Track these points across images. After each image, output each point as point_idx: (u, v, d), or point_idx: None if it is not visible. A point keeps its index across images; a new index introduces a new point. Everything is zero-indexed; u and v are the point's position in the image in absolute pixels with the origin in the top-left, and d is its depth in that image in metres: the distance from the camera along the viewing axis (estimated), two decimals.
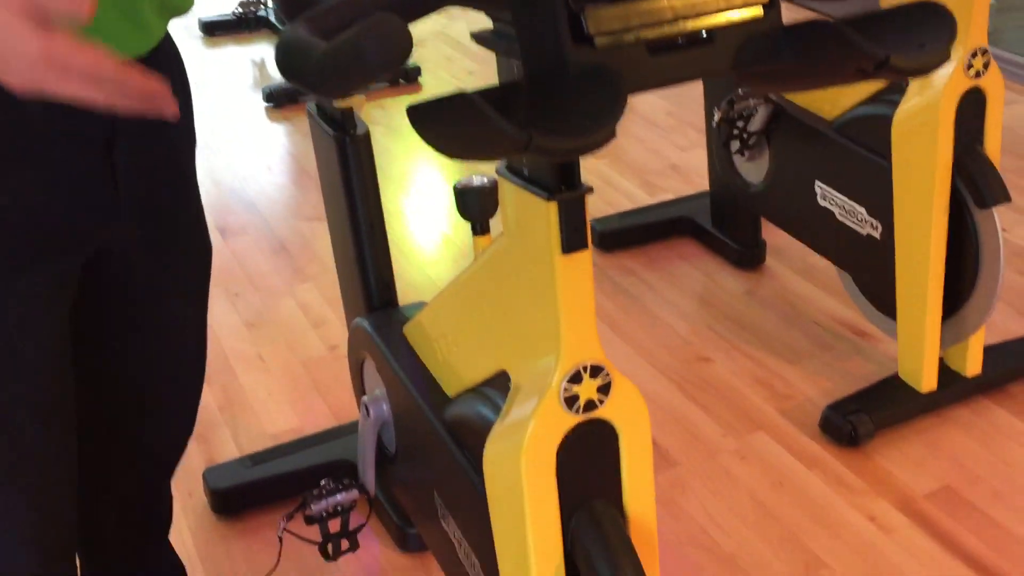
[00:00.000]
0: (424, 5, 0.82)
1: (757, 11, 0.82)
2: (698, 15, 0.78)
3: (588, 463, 1.05)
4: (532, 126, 0.66)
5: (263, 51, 3.99)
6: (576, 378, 1.01)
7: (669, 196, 2.73)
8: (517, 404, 1.07)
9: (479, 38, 0.92)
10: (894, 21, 0.79)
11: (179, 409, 1.28)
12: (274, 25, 4.01)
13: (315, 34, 0.75)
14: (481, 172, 1.26)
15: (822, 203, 2.03)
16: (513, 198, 1.01)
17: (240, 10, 4.08)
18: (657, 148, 3.05)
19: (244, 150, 3.21)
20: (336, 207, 1.59)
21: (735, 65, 0.81)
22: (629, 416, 1.05)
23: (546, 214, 0.95)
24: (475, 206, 1.23)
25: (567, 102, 0.72)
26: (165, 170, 1.09)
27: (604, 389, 1.03)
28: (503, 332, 1.13)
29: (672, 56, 0.79)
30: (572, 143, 0.69)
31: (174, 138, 1.09)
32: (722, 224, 2.48)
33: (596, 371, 1.02)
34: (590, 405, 1.03)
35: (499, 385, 1.18)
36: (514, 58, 0.86)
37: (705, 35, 0.78)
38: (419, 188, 2.96)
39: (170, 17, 1.03)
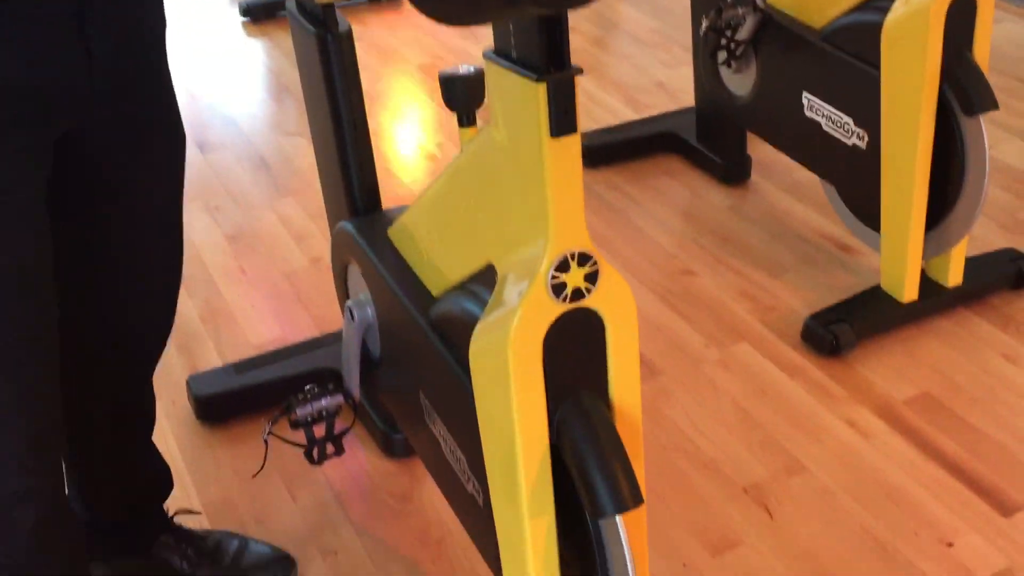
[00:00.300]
0: None
1: None
2: None
3: (574, 353, 1.05)
4: None
5: None
6: (563, 266, 1.00)
7: (654, 113, 2.71)
8: (504, 295, 1.06)
9: None
10: None
11: (157, 298, 1.28)
12: None
13: None
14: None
15: (809, 114, 2.02)
16: (500, 82, 0.99)
17: None
18: (642, 65, 3.01)
19: (221, 65, 3.15)
20: (318, 108, 1.56)
21: None
22: (616, 306, 1.05)
23: (535, 96, 0.94)
24: (461, 95, 1.21)
25: None
26: (136, 46, 1.09)
27: (591, 278, 1.02)
28: (490, 224, 1.12)
29: None
30: None
31: (144, 14, 1.09)
32: (708, 139, 2.46)
33: (584, 259, 1.01)
34: (577, 294, 1.02)
35: (485, 280, 1.17)
36: None
37: None
38: (401, 106, 2.92)
39: None
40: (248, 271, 2.21)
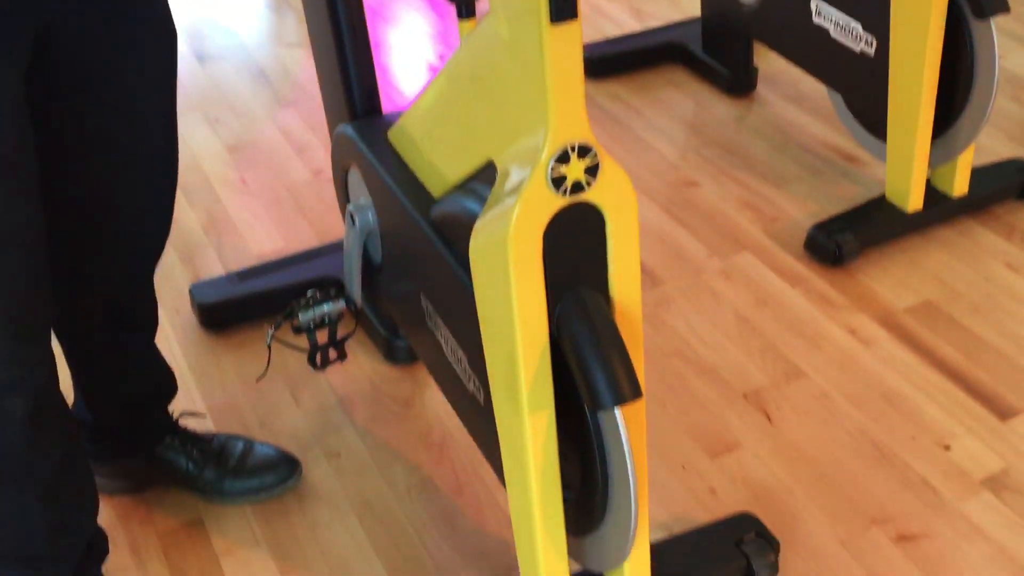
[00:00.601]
0: None
1: None
2: None
3: (574, 247, 1.05)
4: None
5: None
6: (564, 158, 0.99)
7: (659, 24, 2.66)
8: (503, 190, 1.06)
9: None
10: None
11: (151, 195, 1.26)
12: None
13: None
14: None
15: (816, 20, 1.98)
16: None
17: None
18: None
19: None
20: (317, 10, 1.53)
21: None
22: (617, 200, 1.04)
23: None
24: None
25: None
26: None
27: (592, 171, 1.01)
28: (489, 119, 1.10)
29: None
30: None
31: None
32: (713, 50, 2.42)
33: (584, 151, 1.00)
34: (577, 187, 1.02)
35: (485, 177, 1.16)
36: None
37: None
38: (402, 16, 2.87)
39: None
40: (249, 182, 2.20)
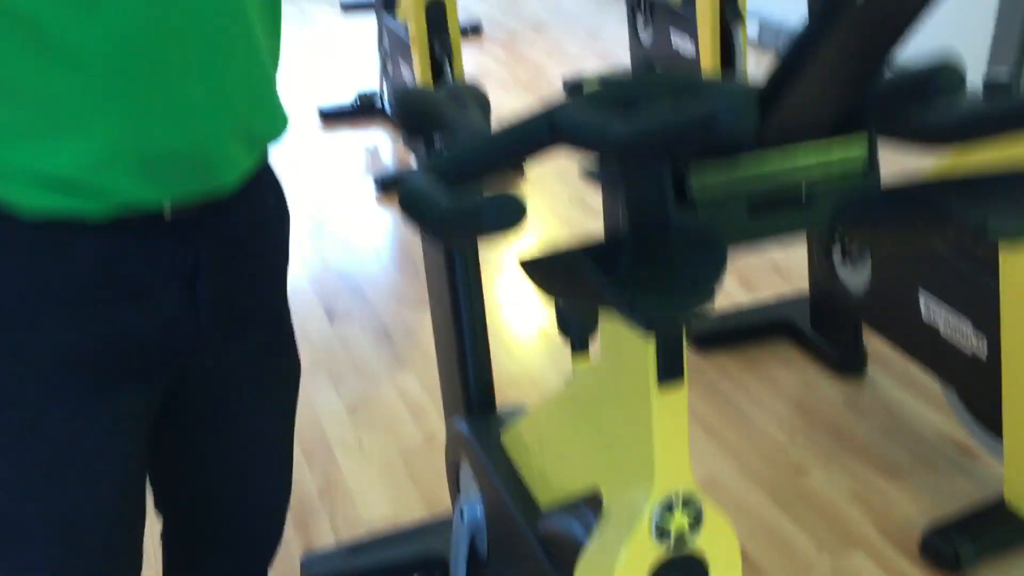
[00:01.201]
0: (538, 145, 0.87)
1: (857, 170, 0.85)
2: (798, 176, 0.82)
3: None
4: (634, 288, 0.70)
5: (377, 137, 4.16)
6: (667, 509, 1.03)
7: (768, 295, 2.73)
8: (609, 529, 1.09)
9: (591, 176, 0.98)
10: (996, 185, 0.81)
11: (265, 511, 1.29)
12: (389, 115, 4.18)
13: (440, 181, 0.81)
14: None
15: (926, 315, 2.01)
16: (611, 325, 1.04)
17: (358, 101, 4.28)
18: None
19: (354, 235, 3.34)
20: (441, 311, 1.65)
21: (832, 222, 0.83)
22: (720, 550, 1.06)
23: (644, 346, 0.99)
24: (575, 324, 1.27)
25: (669, 263, 0.76)
26: (250, 290, 1.10)
27: (695, 522, 1.04)
28: (598, 453, 1.16)
29: (771, 214, 0.83)
30: (672, 309, 0.73)
31: (261, 258, 1.11)
32: (822, 328, 2.46)
33: (688, 503, 1.03)
34: (680, 536, 1.04)
35: (591, 503, 1.20)
36: (620, 202, 0.91)
37: (804, 199, 0.81)
38: (523, 283, 3.02)
39: (262, 146, 1.06)
40: (365, 444, 2.29)
